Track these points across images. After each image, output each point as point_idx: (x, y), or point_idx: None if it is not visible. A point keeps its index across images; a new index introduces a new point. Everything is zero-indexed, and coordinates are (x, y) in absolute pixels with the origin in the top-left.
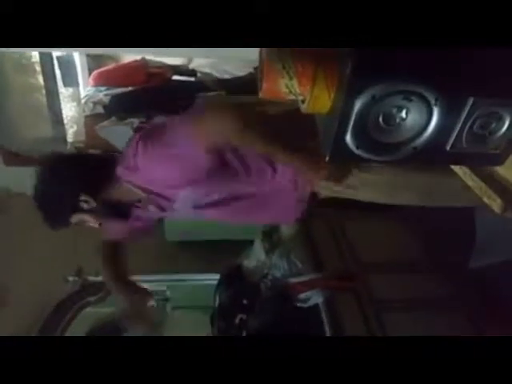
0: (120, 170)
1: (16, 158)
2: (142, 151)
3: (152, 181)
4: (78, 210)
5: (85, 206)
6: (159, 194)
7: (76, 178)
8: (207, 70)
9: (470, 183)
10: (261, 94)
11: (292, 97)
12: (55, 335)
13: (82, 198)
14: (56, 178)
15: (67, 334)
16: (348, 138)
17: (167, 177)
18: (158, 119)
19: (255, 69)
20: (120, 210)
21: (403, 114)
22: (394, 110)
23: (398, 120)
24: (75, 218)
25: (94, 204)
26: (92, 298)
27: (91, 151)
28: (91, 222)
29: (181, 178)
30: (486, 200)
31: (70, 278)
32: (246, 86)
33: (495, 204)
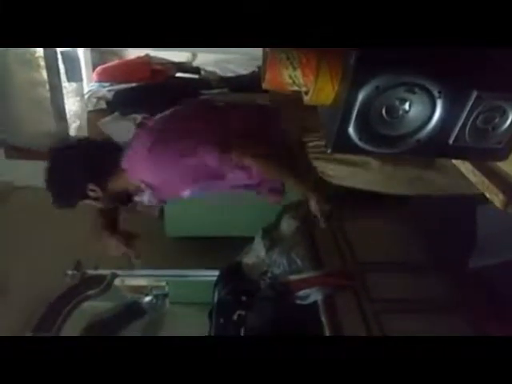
0: (126, 164)
1: (18, 152)
2: (153, 155)
3: (155, 179)
4: (85, 196)
5: (92, 194)
6: (160, 189)
7: (85, 168)
8: (211, 68)
9: (472, 178)
10: (264, 85)
11: (295, 88)
12: (53, 329)
13: (90, 187)
14: (68, 167)
15: (66, 327)
16: (351, 129)
17: (171, 179)
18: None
19: (259, 67)
20: (123, 198)
21: (406, 106)
22: (397, 102)
23: (401, 112)
24: (81, 202)
25: (100, 194)
26: (91, 292)
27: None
28: (96, 205)
29: (182, 183)
30: (488, 195)
31: (69, 272)
32: (249, 84)
33: (497, 199)
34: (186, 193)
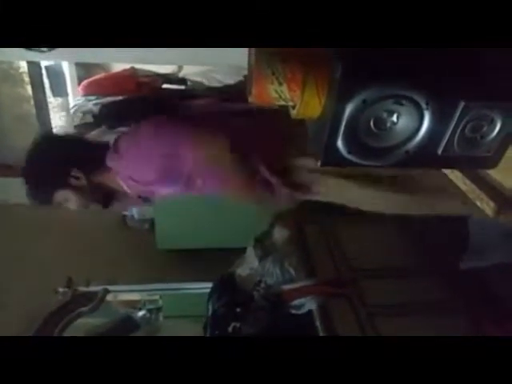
0: (108, 160)
1: (6, 170)
2: (125, 151)
3: (134, 177)
4: (66, 185)
5: (74, 182)
6: (141, 190)
7: (72, 152)
8: (197, 79)
9: (462, 187)
10: (250, 99)
11: (282, 102)
12: None
13: (74, 173)
14: (51, 149)
15: None
16: (339, 142)
17: (148, 176)
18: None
19: (245, 76)
20: (105, 196)
21: (394, 118)
22: (385, 115)
23: (389, 124)
24: (60, 195)
25: (84, 182)
26: (84, 309)
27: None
28: (73, 202)
29: (160, 179)
30: (478, 203)
31: (60, 289)
32: (235, 93)
33: (488, 207)
34: (165, 190)
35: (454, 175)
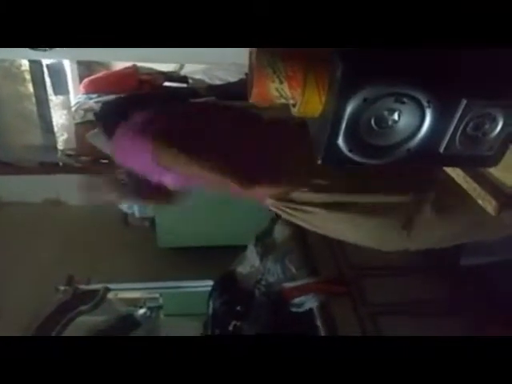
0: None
1: (6, 168)
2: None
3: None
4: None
5: None
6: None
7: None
8: (199, 76)
9: (463, 185)
10: (251, 99)
11: (283, 100)
12: None
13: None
14: None
15: None
16: (340, 141)
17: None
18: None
19: (246, 74)
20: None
21: (395, 116)
22: (386, 113)
23: (390, 122)
24: None
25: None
26: (84, 307)
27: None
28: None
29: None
30: (480, 202)
31: (61, 288)
32: (237, 91)
33: (490, 206)
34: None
35: (456, 173)
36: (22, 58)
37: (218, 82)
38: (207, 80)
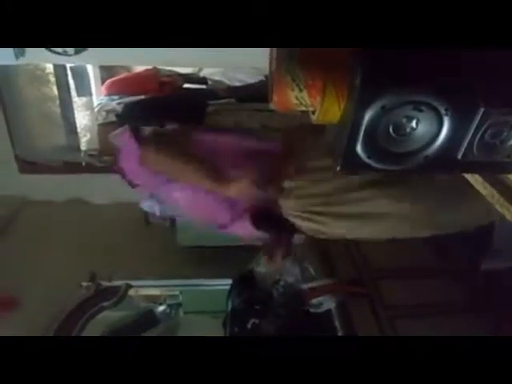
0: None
1: (31, 166)
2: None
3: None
4: None
5: None
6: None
7: None
8: (218, 78)
9: (482, 191)
10: (272, 106)
11: (302, 108)
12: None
13: None
14: None
15: None
16: (359, 148)
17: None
18: (170, 127)
19: (266, 76)
20: None
21: (413, 123)
22: (404, 120)
23: (408, 130)
24: None
25: None
26: (106, 303)
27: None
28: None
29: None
30: (498, 208)
31: (84, 284)
32: (257, 93)
33: (508, 212)
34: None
35: (474, 179)
36: (47, 63)
37: (237, 84)
38: (226, 81)
